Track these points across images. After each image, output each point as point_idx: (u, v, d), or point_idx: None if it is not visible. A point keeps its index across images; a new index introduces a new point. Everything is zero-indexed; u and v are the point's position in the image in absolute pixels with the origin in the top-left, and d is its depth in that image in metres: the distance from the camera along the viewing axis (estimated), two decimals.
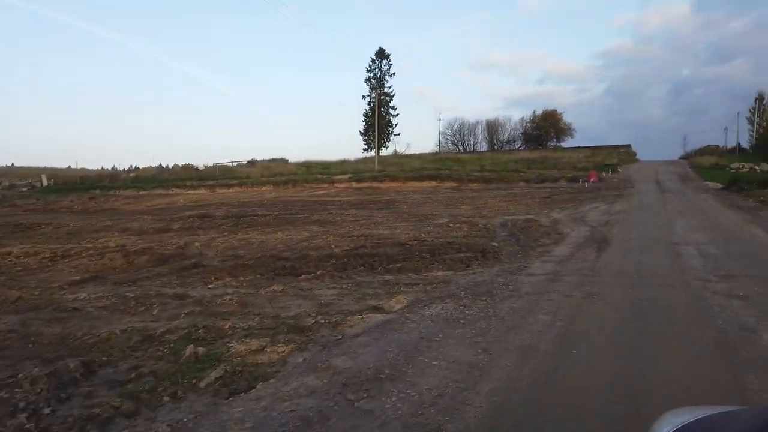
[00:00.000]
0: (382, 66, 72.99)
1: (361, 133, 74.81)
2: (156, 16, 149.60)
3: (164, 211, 29.61)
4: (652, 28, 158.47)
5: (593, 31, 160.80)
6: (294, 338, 5.67)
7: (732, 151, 67.77)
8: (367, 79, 73.34)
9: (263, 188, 50.12)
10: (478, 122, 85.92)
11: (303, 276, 9.04)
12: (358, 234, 16.14)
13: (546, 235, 15.49)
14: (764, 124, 66.45)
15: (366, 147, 74.78)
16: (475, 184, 45.98)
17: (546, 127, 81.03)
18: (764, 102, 69.52)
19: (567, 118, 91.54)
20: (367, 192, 40.36)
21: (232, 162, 66.81)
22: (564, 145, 79.33)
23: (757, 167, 47.40)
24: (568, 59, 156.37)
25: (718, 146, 73.60)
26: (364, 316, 6.57)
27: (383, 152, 73.14)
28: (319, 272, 9.28)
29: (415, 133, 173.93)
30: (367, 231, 17.17)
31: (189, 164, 64.47)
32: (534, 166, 53.11)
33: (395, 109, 74.10)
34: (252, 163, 67.12)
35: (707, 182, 37.20)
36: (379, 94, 73.19)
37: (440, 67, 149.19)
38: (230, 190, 50.32)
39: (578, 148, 72.13)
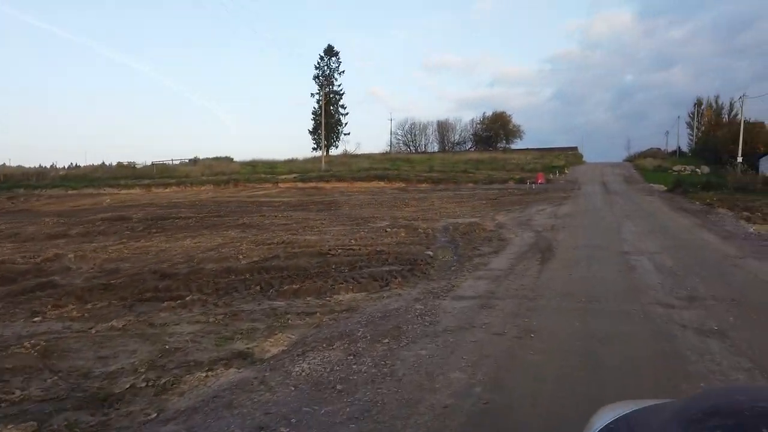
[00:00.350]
0: (332, 64, 70.89)
1: (310, 131, 72.50)
2: (101, 9, 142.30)
3: (80, 213, 26.63)
4: (598, 35, 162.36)
5: (543, 36, 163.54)
6: (78, 421, 3.64)
7: (673, 154, 68.98)
8: (316, 77, 71.06)
9: (203, 188, 47.12)
10: (429, 123, 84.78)
11: (168, 303, 6.95)
12: (279, 241, 14.08)
13: (487, 242, 13.88)
14: (703, 128, 67.94)
15: (315, 146, 72.42)
16: (423, 185, 44.52)
17: (496, 129, 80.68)
18: (702, 107, 71.26)
19: (516, 120, 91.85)
20: (309, 193, 38.19)
21: (172, 160, 63.19)
22: (513, 146, 79.21)
23: (698, 170, 47.84)
24: (518, 63, 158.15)
25: (659, 149, 75.00)
26: (215, 370, 4.60)
27: (333, 152, 71.08)
28: (189, 297, 7.19)
29: (369, 134, 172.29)
30: (292, 237, 15.13)
31: (128, 162, 60.45)
32: (483, 167, 52.15)
33: (345, 108, 72.23)
34: (194, 161, 63.64)
35: (651, 184, 36.87)
36: (328, 93, 71.09)
37: (394, 69, 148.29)
38: (167, 190, 47.06)
39: (527, 149, 71.97)
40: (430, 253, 12.26)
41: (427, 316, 6.10)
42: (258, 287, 8.16)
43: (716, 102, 70.82)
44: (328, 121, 71.24)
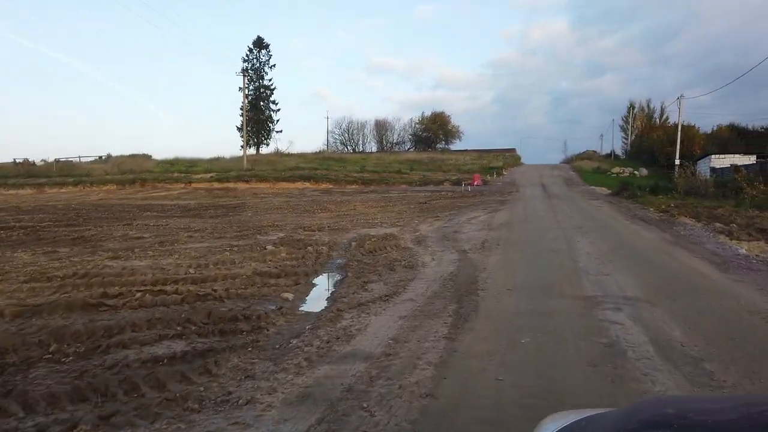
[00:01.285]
0: (261, 56, 65.14)
1: (238, 128, 66.09)
2: None
3: None
4: (535, 42, 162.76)
5: (483, 41, 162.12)
6: None
7: (608, 156, 67.52)
8: (245, 70, 64.84)
9: (104, 187, 40.67)
10: (366, 122, 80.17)
11: None
12: (72, 273, 8.93)
13: (389, 271, 9.30)
14: (636, 131, 66.66)
15: (244, 144, 66.41)
16: (352, 186, 39.88)
17: (435, 129, 77.03)
18: (635, 111, 70.22)
19: (459, 122, 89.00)
20: (218, 194, 32.69)
21: (80, 158, 55.72)
22: (452, 147, 75.81)
23: (636, 172, 45.49)
24: (460, 67, 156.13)
25: (595, 151, 73.53)
26: None
27: (264, 150, 65.29)
28: None
29: (310, 134, 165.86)
30: (108, 263, 10.01)
31: (24, 159, 52.45)
32: (419, 168, 48.05)
33: (276, 104, 66.56)
34: (105, 158, 56.40)
35: (593, 186, 33.63)
36: (258, 87, 65.34)
37: (340, 70, 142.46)
38: (62, 190, 40.32)
39: (466, 151, 68.68)
40: (290, 296, 7.54)
41: None
42: None
43: (648, 106, 70.02)
44: (258, 117, 65.52)
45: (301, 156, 58.19)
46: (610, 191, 28.80)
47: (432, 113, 77.42)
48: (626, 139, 71.56)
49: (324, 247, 12.41)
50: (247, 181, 40.64)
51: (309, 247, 12.29)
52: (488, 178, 40.58)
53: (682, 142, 43.66)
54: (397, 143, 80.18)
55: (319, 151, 63.11)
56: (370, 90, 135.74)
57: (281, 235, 14.95)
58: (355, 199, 28.32)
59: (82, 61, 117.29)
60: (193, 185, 40.75)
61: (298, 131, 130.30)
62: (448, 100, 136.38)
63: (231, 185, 39.44)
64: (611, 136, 70.07)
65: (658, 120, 67.76)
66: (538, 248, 11.19)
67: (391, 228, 16.31)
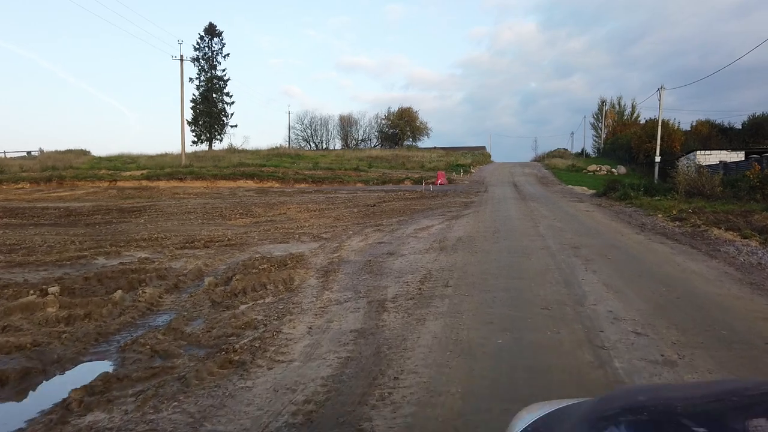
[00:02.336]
0: (213, 45, 58.82)
1: (189, 122, 59.81)
2: None
3: None
4: (505, 43, 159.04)
5: (454, 41, 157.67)
6: None
7: (579, 155, 63.61)
8: (195, 59, 58.61)
9: (16, 185, 34.18)
10: (330, 117, 74.51)
11: None
12: None
13: (182, 388, 3.84)
14: (608, 129, 62.60)
15: (196, 139, 60.11)
16: (301, 185, 34.36)
17: (402, 126, 71.79)
18: (606, 108, 66.32)
19: (429, 121, 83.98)
20: (130, 194, 26.69)
21: (5, 152, 48.80)
22: (420, 144, 70.69)
23: (614, 170, 41.05)
24: (430, 67, 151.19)
25: (566, 150, 69.44)
26: None
27: (217, 146, 59.07)
28: None
29: (272, 130, 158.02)
30: None
31: None
32: (380, 165, 42.77)
33: (231, 96, 60.25)
34: (33, 154, 49.53)
35: (571, 186, 28.79)
36: (210, 78, 59.12)
37: (310, 68, 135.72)
38: None
39: (434, 148, 63.69)
40: None
41: None
42: None
43: (619, 103, 66.12)
44: (210, 110, 59.27)
45: (255, 152, 52.13)
46: (593, 191, 23.94)
47: (399, 109, 72.14)
48: (597, 137, 67.74)
49: (158, 289, 7.03)
50: (181, 179, 34.68)
51: (117, 293, 6.82)
52: (454, 176, 35.51)
53: (661, 138, 39.46)
54: (362, 140, 74.77)
55: (276, 147, 57.04)
56: (341, 89, 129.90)
57: (142, 255, 9.67)
58: (294, 201, 22.87)
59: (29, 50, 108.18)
60: (119, 183, 34.61)
61: (262, 128, 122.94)
62: (418, 100, 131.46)
63: (157, 184, 33.45)
64: (582, 135, 66.15)
65: (629, 117, 63.96)
66: (518, 300, 5.90)
67: (309, 243, 11.13)
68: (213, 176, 35.02)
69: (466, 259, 8.46)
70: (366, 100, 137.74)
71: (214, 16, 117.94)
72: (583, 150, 65.81)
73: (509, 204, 18.92)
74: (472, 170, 40.90)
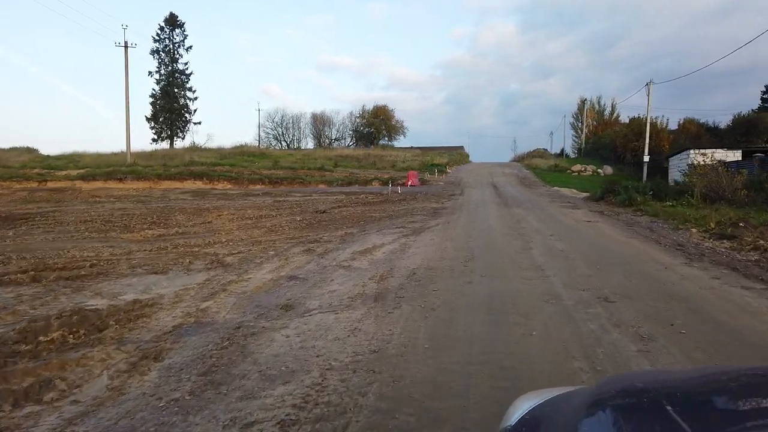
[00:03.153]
0: (175, 36, 53.99)
1: (148, 119, 54.91)
2: None
3: None
4: (485, 44, 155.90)
5: (435, 42, 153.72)
6: None
7: (559, 155, 60.31)
8: (155, 51, 53.80)
9: None
10: (302, 115, 69.99)
11: None
12: None
13: None
14: (586, 129, 59.29)
15: (156, 136, 55.13)
16: (257, 186, 30.06)
17: (377, 124, 67.65)
18: (586, 108, 63.14)
19: (404, 119, 79.79)
20: (40, 197, 22.04)
21: None
22: (397, 144, 66.55)
23: (600, 170, 37.54)
24: (412, 67, 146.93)
25: (546, 150, 66.04)
26: None
27: (179, 144, 54.20)
28: None
29: (244, 128, 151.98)
30: None
31: None
32: (349, 165, 38.64)
33: (194, 92, 55.41)
34: None
35: (557, 187, 25.00)
36: (172, 72, 54.32)
37: (289, 68, 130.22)
38: None
39: (411, 148, 59.72)
40: None
41: None
42: None
43: (599, 103, 62.89)
44: (171, 106, 54.41)
45: (218, 151, 47.33)
46: (586, 194, 20.15)
47: (374, 107, 67.96)
48: (577, 137, 64.49)
49: None
50: (120, 180, 30.06)
51: None
52: (427, 177, 31.53)
53: (649, 136, 36.10)
54: (336, 139, 70.42)
55: (240, 146, 52.33)
56: (322, 89, 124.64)
57: None
58: (234, 205, 18.64)
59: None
60: (50, 184, 29.90)
61: (233, 126, 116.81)
62: (399, 100, 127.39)
63: (92, 184, 28.79)
64: (562, 135, 62.88)
65: (609, 117, 60.82)
66: None
67: (195, 275, 7.28)
68: (157, 176, 30.47)
69: (409, 331, 4.36)
70: (347, 100, 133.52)
71: (188, 11, 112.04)
72: (562, 150, 62.56)
73: (489, 211, 14.94)
74: (448, 170, 37.01)
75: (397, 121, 69.38)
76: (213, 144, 54.02)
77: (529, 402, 1.19)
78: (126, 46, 34.83)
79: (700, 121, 45.40)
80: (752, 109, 42.66)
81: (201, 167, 32.79)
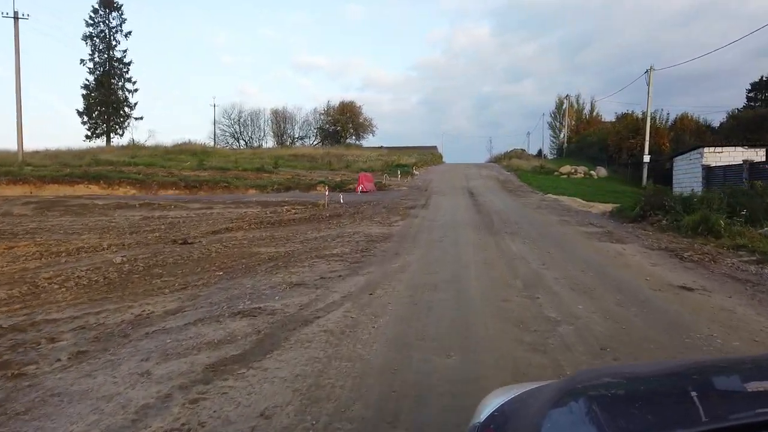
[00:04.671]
0: (111, 20, 45.92)
1: (81, 113, 46.71)
2: None
3: None
4: (460, 46, 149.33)
5: (410, 43, 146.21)
6: None
7: (537, 155, 54.25)
8: (89, 37, 45.69)
9: None
10: (260, 111, 62.25)
11: None
12: None
13: None
14: (570, 128, 53.16)
15: (90, 133, 46.87)
16: (169, 191, 22.76)
17: (344, 122, 60.46)
18: (564, 106, 57.26)
19: (382, 123, 72.89)
20: None
21: None
22: (366, 143, 59.42)
23: (592, 172, 31.17)
24: (387, 68, 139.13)
25: (523, 150, 59.86)
26: None
27: (117, 140, 46.07)
28: None
29: (206, 126, 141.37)
30: None
31: None
32: (299, 165, 31.55)
33: (133, 83, 47.28)
34: None
35: (552, 195, 18.33)
36: (108, 59, 46.36)
37: (265, 67, 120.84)
38: None
39: (380, 147, 52.79)
40: None
41: None
42: None
43: (577, 101, 56.86)
44: (108, 99, 46.21)
45: (154, 149, 39.43)
46: (604, 208, 13.39)
47: (340, 103, 60.81)
48: (555, 137, 58.45)
49: None
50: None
51: None
52: (386, 181, 24.59)
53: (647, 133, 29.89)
54: (300, 137, 63.05)
55: (181, 144, 44.39)
56: (298, 88, 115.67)
57: None
58: (69, 227, 11.51)
59: None
60: None
61: (189, 123, 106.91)
62: (375, 102, 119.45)
63: None
64: (541, 135, 56.92)
65: (588, 116, 54.96)
66: None
67: None
68: (40, 179, 22.91)
69: None
70: (323, 101, 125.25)
71: (159, 5, 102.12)
72: (540, 150, 56.50)
73: (462, 245, 8.05)
74: (415, 172, 30.18)
75: (365, 118, 62.27)
76: (156, 142, 45.90)
77: (499, 398, 1.16)
78: (16, 17, 27.03)
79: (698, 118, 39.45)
80: (737, 108, 37.08)
81: (101, 168, 25.18)
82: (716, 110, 65.75)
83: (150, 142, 43.86)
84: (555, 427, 0.89)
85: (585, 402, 0.95)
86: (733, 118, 35.51)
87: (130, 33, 46.56)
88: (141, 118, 52.73)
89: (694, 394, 0.94)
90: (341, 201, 16.69)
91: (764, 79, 33.75)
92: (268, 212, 14.27)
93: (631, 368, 1.44)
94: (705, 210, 8.76)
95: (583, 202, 15.58)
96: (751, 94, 33.74)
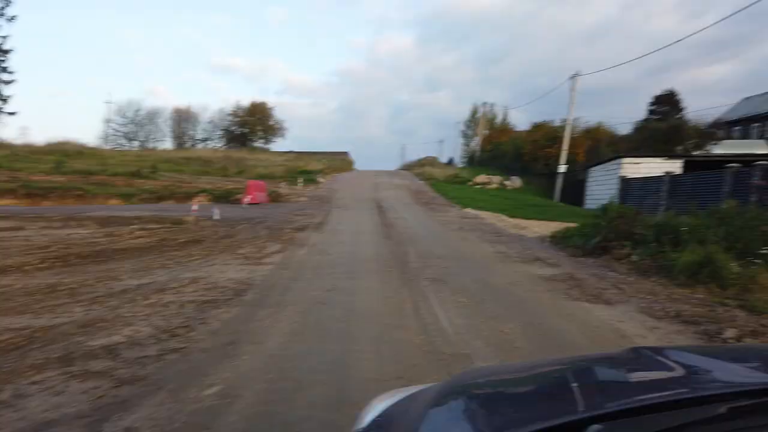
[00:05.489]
0: None
1: None
2: None
3: None
4: (382, 54, 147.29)
5: (333, 50, 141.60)
6: None
7: (448, 163, 52.98)
8: None
9: None
10: (160, 110, 55.42)
11: None
12: None
13: None
14: (484, 136, 52.39)
15: None
16: (5, 200, 17.27)
17: (253, 123, 55.26)
18: (477, 116, 56.72)
19: (297, 127, 68.01)
20: None
21: None
22: (276, 147, 54.60)
23: (506, 182, 29.50)
24: (307, 73, 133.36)
25: (436, 158, 58.38)
26: None
27: None
28: None
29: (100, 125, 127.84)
30: None
31: None
32: (187, 169, 26.76)
33: (10, 73, 38.40)
34: None
35: (474, 210, 15.68)
36: None
37: (180, 68, 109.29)
38: None
39: (289, 152, 48.46)
40: None
41: None
42: None
43: (492, 110, 56.56)
44: None
45: (25, 147, 32.06)
46: (538, 232, 10.75)
47: (250, 103, 55.54)
48: (466, 145, 57.70)
49: None
50: None
51: None
52: (283, 190, 20.79)
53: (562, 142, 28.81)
54: (204, 139, 56.93)
55: (56, 143, 37.14)
56: (213, 91, 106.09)
57: None
58: None
59: None
60: None
61: (84, 123, 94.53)
62: (293, 106, 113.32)
63: None
64: (452, 143, 55.73)
65: (500, 125, 54.77)
66: None
67: None
68: None
69: None
70: (235, 103, 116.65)
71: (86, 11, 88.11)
72: (451, 159, 55.33)
73: (360, 306, 4.71)
74: (320, 179, 26.57)
75: (275, 121, 57.43)
76: (26, 140, 37.90)
77: (383, 403, 1.14)
78: None
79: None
80: (639, 121, 37.71)
81: None
82: (621, 122, 69.80)
83: (20, 141, 36.13)
84: (433, 427, 0.88)
85: (463, 401, 0.96)
86: (643, 129, 35.46)
87: (14, 17, 37.79)
88: (15, 113, 43.67)
89: (572, 386, 0.94)
90: (216, 216, 12.73)
91: (664, 93, 34.22)
92: (100, 236, 10.02)
93: (511, 367, 1.44)
94: (696, 245, 6.13)
95: (510, 220, 12.98)
96: (653, 107, 34.01)
